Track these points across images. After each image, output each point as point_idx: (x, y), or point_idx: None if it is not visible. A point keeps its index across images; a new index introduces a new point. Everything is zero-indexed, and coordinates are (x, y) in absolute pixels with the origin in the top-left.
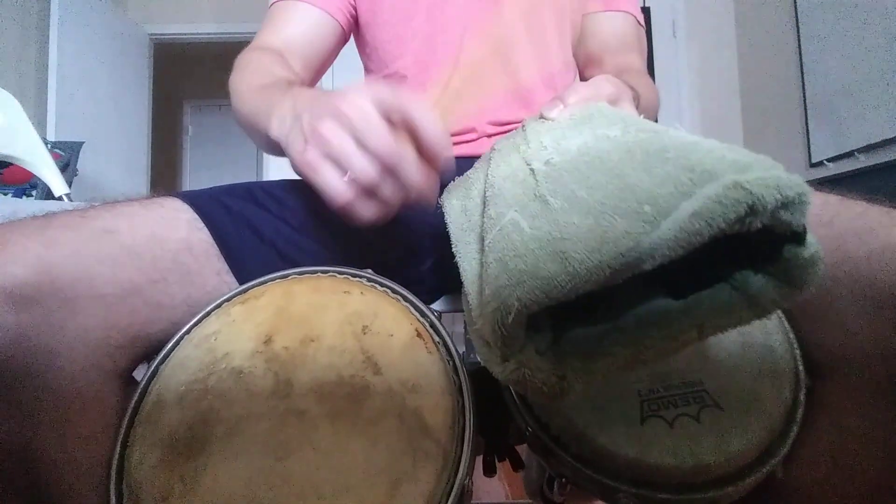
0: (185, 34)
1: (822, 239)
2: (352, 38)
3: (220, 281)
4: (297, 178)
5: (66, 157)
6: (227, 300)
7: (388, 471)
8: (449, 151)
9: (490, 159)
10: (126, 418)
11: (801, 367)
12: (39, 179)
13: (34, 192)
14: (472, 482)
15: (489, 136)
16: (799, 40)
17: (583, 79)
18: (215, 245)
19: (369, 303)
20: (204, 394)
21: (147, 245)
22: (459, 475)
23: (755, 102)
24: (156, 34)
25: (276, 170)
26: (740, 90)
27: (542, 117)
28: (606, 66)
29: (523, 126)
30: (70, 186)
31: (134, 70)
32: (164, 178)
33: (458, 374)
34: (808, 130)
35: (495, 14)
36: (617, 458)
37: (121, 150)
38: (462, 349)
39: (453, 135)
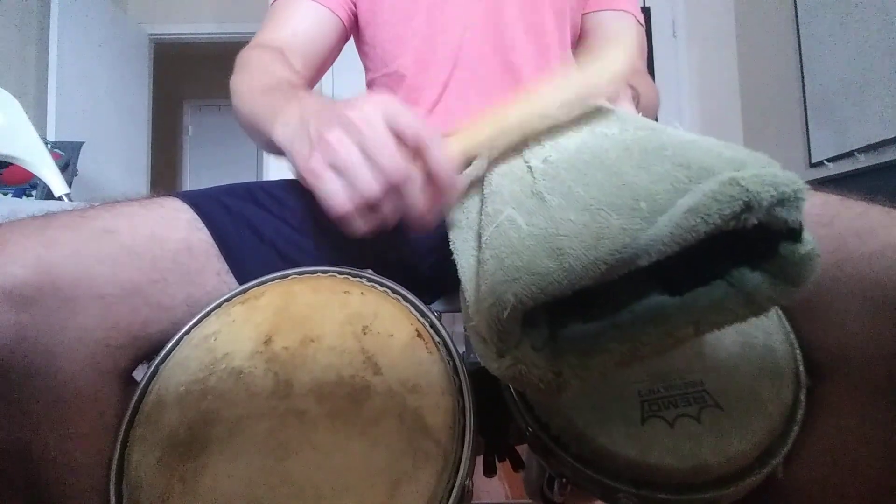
0: (185, 34)
1: (822, 239)
2: (351, 38)
3: (220, 281)
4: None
5: (66, 157)
6: (227, 300)
7: (388, 471)
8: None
9: (488, 157)
10: (126, 418)
11: (801, 368)
12: (39, 179)
13: (34, 192)
14: (472, 482)
15: None
16: (799, 40)
17: None
18: (215, 245)
19: (369, 303)
20: (204, 394)
21: (147, 245)
22: (460, 475)
23: (755, 102)
24: (156, 34)
25: (276, 170)
26: (740, 90)
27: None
28: None
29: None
30: (70, 186)
31: (134, 70)
32: (164, 178)
33: (458, 375)
34: (807, 130)
35: (495, 14)
36: (617, 458)
37: (121, 150)
38: (462, 349)
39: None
